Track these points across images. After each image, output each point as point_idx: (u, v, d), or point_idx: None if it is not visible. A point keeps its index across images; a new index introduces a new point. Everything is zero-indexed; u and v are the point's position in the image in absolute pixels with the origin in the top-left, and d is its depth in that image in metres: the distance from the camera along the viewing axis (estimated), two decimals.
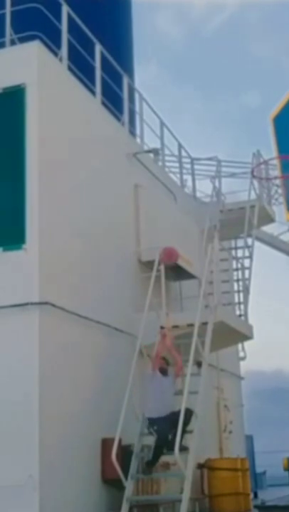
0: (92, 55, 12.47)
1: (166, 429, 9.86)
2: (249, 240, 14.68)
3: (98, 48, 12.54)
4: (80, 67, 11.84)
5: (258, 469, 23.18)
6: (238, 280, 14.93)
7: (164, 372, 10.47)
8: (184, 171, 16.95)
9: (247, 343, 16.57)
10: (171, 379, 10.49)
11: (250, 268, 14.40)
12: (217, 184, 16.20)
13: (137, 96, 14.76)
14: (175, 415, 9.78)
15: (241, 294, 14.46)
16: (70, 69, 11.34)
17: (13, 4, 11.26)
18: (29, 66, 10.19)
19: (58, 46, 11.21)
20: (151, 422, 10.06)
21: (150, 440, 10.17)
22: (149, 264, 12.08)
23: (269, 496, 18.20)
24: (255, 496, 18.20)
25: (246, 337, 13.72)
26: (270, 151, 17.33)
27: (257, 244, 15.93)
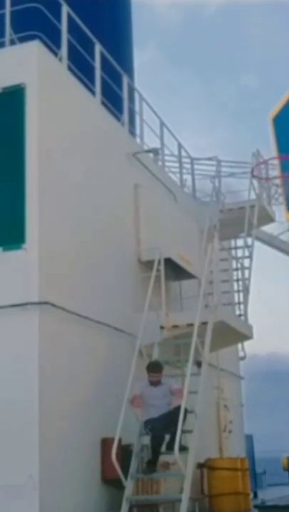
0: (92, 54, 12.47)
1: (160, 427, 9.85)
2: (249, 240, 14.69)
3: (98, 48, 12.54)
4: (80, 67, 11.84)
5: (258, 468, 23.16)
6: (237, 280, 14.93)
7: (156, 383, 10.25)
8: (184, 170, 16.97)
9: None
10: (165, 388, 10.25)
11: (250, 268, 14.41)
12: (217, 184, 16.22)
13: (136, 96, 14.76)
14: (171, 414, 9.84)
15: (241, 294, 14.47)
16: (69, 69, 11.34)
17: (12, 4, 11.25)
18: (29, 66, 10.19)
19: (58, 46, 11.21)
20: (146, 422, 10.06)
21: (148, 440, 10.17)
22: (149, 264, 12.08)
23: (269, 495, 18.19)
24: (255, 495, 18.18)
25: (246, 337, 13.73)
26: (269, 147, 17.37)
27: (257, 243, 15.93)
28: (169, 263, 12.40)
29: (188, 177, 17.25)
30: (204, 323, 11.10)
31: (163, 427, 9.86)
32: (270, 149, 17.42)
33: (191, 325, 10.88)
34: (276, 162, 17.12)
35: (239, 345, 17.17)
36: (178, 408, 9.70)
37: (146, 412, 10.14)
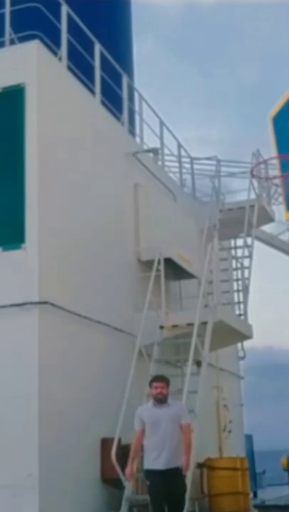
0: (91, 54, 12.47)
1: (161, 492, 7.98)
2: (249, 240, 14.69)
3: (98, 48, 12.53)
4: (80, 66, 11.84)
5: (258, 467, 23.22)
6: (237, 279, 14.93)
7: (160, 400, 8.19)
8: (184, 170, 16.97)
9: None
10: (172, 411, 8.14)
11: (249, 267, 14.41)
12: (217, 184, 16.22)
13: (136, 95, 14.76)
14: (175, 477, 7.95)
15: (241, 294, 14.47)
16: (69, 68, 11.34)
17: (12, 4, 11.26)
18: (29, 66, 10.19)
19: (58, 46, 11.21)
20: (146, 474, 8.16)
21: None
22: (148, 264, 12.08)
23: (268, 495, 18.20)
24: (255, 495, 18.20)
25: (246, 336, 13.73)
26: (270, 149, 17.37)
27: (256, 243, 15.92)
28: (169, 263, 12.40)
29: (188, 177, 17.27)
30: (204, 323, 11.10)
31: (164, 494, 8.01)
32: (269, 144, 17.42)
33: (191, 324, 10.89)
34: (276, 162, 17.11)
35: (239, 345, 17.16)
36: (182, 474, 8.05)
37: (147, 446, 8.11)
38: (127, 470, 8.36)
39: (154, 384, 8.30)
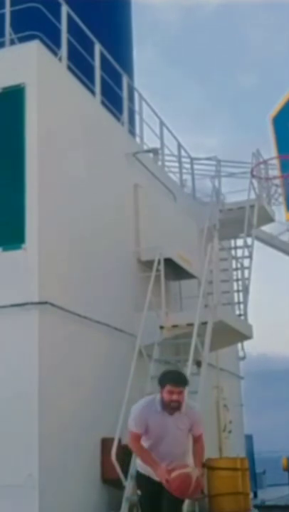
0: (91, 54, 12.47)
1: (155, 507, 6.60)
2: (249, 240, 14.69)
3: (98, 48, 12.54)
4: (80, 66, 11.84)
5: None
6: (237, 280, 14.93)
7: (175, 408, 6.47)
8: (184, 170, 16.98)
9: None
10: (184, 421, 6.56)
11: (249, 268, 14.41)
12: (217, 184, 16.24)
13: (136, 95, 14.77)
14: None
15: (241, 294, 14.48)
16: (69, 68, 11.35)
17: (12, 4, 11.26)
18: (29, 66, 10.19)
19: (58, 46, 11.22)
20: (139, 480, 6.81)
21: None
22: (148, 264, 12.09)
23: (269, 495, 18.18)
24: (255, 495, 18.17)
25: (246, 337, 13.73)
26: (269, 149, 17.38)
27: (257, 243, 15.93)
28: (169, 263, 12.40)
29: (188, 177, 17.28)
30: (204, 323, 11.10)
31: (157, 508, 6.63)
32: (269, 149, 17.43)
33: (191, 325, 10.89)
34: (276, 162, 17.11)
35: (239, 345, 17.16)
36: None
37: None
38: (161, 472, 6.34)
39: (170, 387, 6.39)
